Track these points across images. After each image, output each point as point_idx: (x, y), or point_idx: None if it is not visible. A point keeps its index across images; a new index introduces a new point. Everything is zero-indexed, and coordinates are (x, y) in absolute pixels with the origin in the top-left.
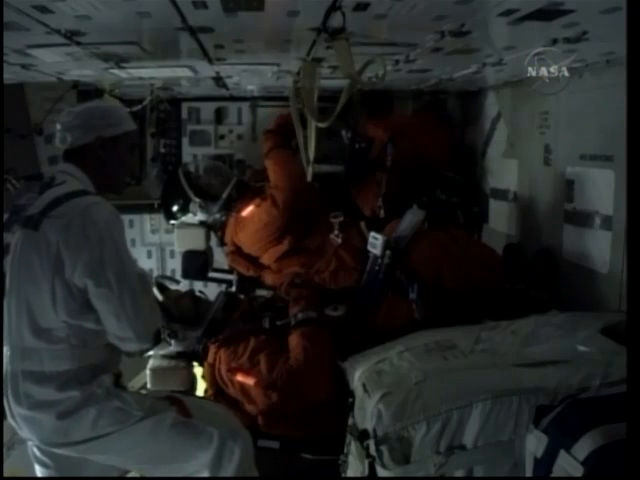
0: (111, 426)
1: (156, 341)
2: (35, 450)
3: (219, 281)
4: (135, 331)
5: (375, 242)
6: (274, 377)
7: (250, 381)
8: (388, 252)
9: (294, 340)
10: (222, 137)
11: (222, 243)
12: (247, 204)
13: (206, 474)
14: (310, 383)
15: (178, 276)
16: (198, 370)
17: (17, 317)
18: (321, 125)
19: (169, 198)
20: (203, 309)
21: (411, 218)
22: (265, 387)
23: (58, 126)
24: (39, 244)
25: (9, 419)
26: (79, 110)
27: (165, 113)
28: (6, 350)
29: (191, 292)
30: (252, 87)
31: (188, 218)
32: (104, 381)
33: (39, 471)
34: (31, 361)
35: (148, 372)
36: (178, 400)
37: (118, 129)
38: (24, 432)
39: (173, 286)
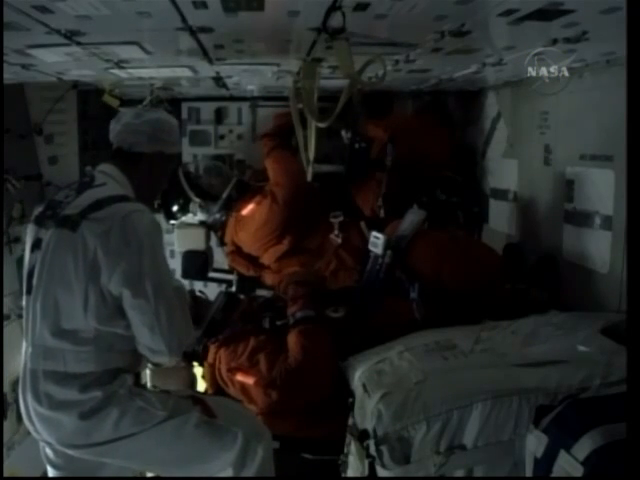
0: (134, 426)
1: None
2: (48, 452)
3: (219, 281)
4: (167, 344)
5: (376, 241)
6: (273, 376)
7: (250, 380)
8: (389, 252)
9: (292, 339)
10: (222, 137)
11: (222, 243)
12: (247, 203)
13: (229, 474)
14: (309, 381)
15: (178, 276)
16: (198, 370)
17: (42, 316)
18: (321, 125)
19: (169, 198)
20: (203, 309)
21: (412, 218)
22: (265, 386)
23: (120, 125)
24: (76, 246)
25: (24, 420)
26: (150, 117)
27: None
28: (26, 347)
29: (191, 292)
30: (252, 87)
31: (188, 218)
32: (126, 380)
33: (51, 473)
34: (54, 361)
35: (148, 371)
36: (201, 400)
37: (175, 149)
38: (41, 433)
39: None
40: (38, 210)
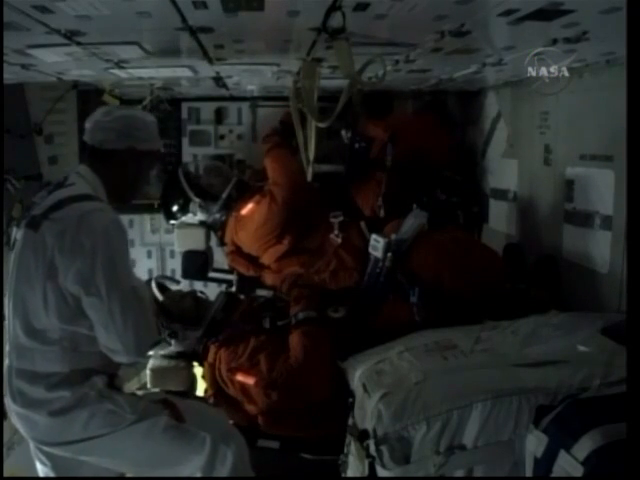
0: (103, 428)
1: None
2: (33, 447)
3: (219, 281)
4: (123, 344)
5: (376, 245)
6: (274, 376)
7: (250, 381)
8: (389, 255)
9: (294, 339)
10: (222, 137)
11: (222, 243)
12: (247, 202)
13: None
14: (310, 382)
15: (178, 276)
16: (198, 370)
17: (14, 315)
18: (321, 125)
19: (169, 198)
20: (204, 309)
21: (413, 221)
22: (265, 387)
23: (91, 123)
24: (37, 246)
25: (9, 415)
26: (120, 114)
27: (165, 113)
28: (7, 346)
29: (193, 292)
30: (252, 87)
31: (188, 218)
32: (96, 383)
33: (39, 468)
34: (24, 360)
35: (148, 372)
36: (171, 403)
37: (150, 145)
38: (20, 430)
39: (173, 286)
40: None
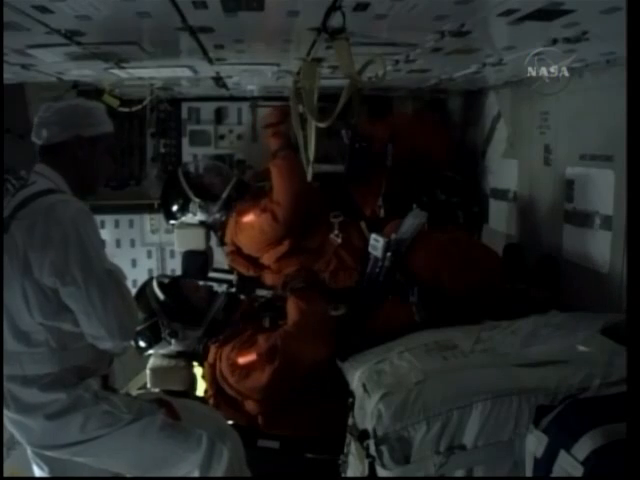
0: (100, 429)
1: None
2: (30, 452)
3: (219, 281)
4: (107, 329)
5: (376, 244)
6: (273, 342)
7: (251, 357)
8: (389, 255)
9: (290, 305)
10: (222, 137)
11: (222, 243)
12: (247, 209)
13: (196, 475)
14: (309, 341)
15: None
16: (198, 370)
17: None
18: (321, 125)
19: (169, 198)
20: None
21: (413, 220)
22: (266, 354)
23: (36, 121)
24: (9, 247)
25: (5, 422)
26: (59, 106)
27: (165, 113)
28: None
29: (209, 287)
30: (252, 87)
31: (188, 218)
32: (91, 385)
33: (36, 472)
34: (13, 365)
35: (148, 372)
36: (167, 402)
37: (97, 130)
38: (16, 435)
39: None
40: None
